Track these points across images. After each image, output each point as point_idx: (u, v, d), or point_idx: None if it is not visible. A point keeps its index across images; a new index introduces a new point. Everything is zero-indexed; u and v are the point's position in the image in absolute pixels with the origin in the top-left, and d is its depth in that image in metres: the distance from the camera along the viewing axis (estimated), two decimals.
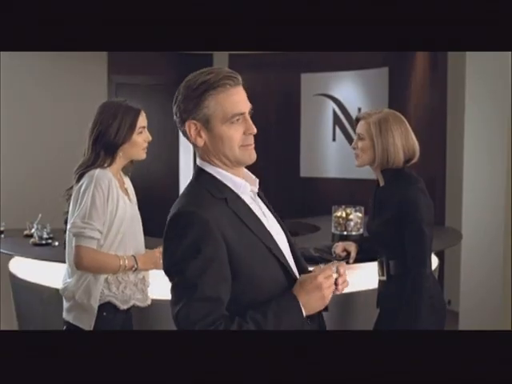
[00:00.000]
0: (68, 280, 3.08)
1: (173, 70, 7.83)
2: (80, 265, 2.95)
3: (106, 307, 3.00)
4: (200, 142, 1.99)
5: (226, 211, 1.92)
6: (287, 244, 2.11)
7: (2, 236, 4.74)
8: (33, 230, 4.57)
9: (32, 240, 4.44)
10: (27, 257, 4.17)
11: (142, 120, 3.10)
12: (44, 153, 6.70)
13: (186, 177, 7.95)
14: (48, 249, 4.28)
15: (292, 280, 1.97)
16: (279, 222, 2.14)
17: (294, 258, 2.10)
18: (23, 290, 4.33)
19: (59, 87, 6.90)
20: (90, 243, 2.94)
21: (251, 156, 2.01)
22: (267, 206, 2.14)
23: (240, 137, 1.97)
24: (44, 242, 4.37)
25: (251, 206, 2.02)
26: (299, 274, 2.04)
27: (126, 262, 3.01)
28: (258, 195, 2.13)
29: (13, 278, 4.48)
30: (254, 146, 2.01)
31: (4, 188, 6.37)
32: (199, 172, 2.04)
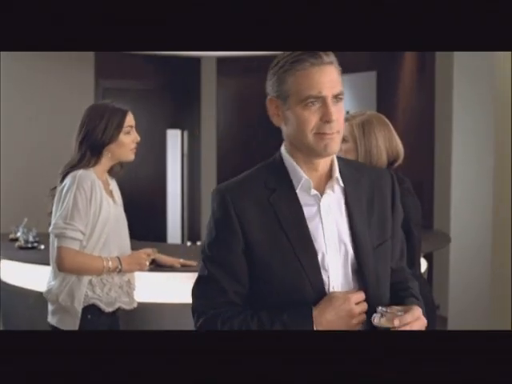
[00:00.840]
0: (52, 282, 3.04)
1: (160, 75, 7.81)
2: (62, 266, 2.92)
3: (91, 310, 2.96)
4: (277, 121, 1.85)
5: (265, 204, 1.79)
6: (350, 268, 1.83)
7: None
8: (18, 234, 4.53)
9: (18, 243, 4.40)
10: (13, 260, 4.13)
11: (130, 120, 3.08)
12: (29, 156, 6.66)
13: (173, 181, 7.92)
14: (34, 252, 4.24)
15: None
16: (358, 245, 1.83)
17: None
18: (9, 294, 4.29)
19: (45, 92, 6.86)
20: (71, 244, 2.91)
21: (327, 147, 1.78)
22: (350, 218, 1.84)
23: (315, 122, 1.76)
24: (30, 245, 4.33)
25: (306, 208, 1.82)
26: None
27: (110, 263, 2.97)
28: (347, 204, 1.85)
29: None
30: (335, 136, 1.78)
31: None
32: (277, 155, 1.89)
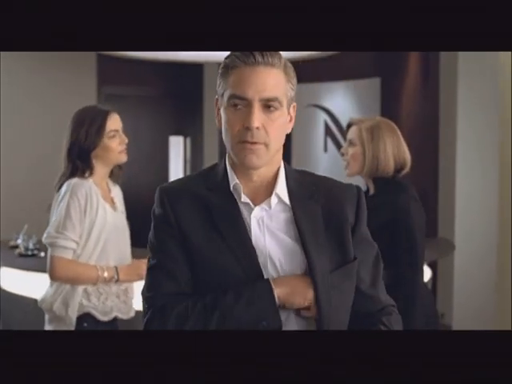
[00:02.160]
0: (47, 291, 3.01)
1: (163, 81, 7.79)
2: (53, 275, 2.88)
3: (86, 319, 2.91)
4: (218, 122, 1.70)
5: (200, 201, 1.67)
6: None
7: None
8: (18, 241, 4.50)
9: (18, 251, 4.37)
10: (12, 268, 4.09)
11: (112, 123, 2.98)
12: (31, 163, 6.63)
13: None
14: (34, 260, 4.21)
15: None
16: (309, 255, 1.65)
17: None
18: (9, 301, 4.25)
19: (47, 98, 6.83)
20: (63, 253, 2.86)
21: (245, 159, 1.61)
22: (301, 231, 1.66)
23: (238, 128, 1.60)
24: (30, 252, 4.30)
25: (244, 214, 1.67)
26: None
27: (106, 273, 2.91)
28: (296, 215, 1.67)
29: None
30: (257, 148, 1.60)
31: None
32: (224, 158, 1.75)
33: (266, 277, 1.64)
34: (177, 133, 7.96)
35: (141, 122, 7.64)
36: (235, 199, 1.67)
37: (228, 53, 1.68)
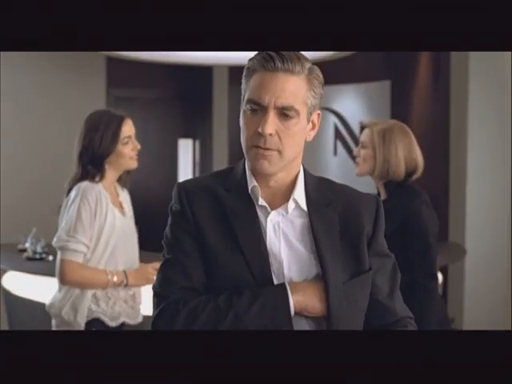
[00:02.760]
0: (56, 295, 2.99)
1: (172, 84, 7.77)
2: (64, 279, 2.87)
3: (95, 324, 2.90)
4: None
5: (218, 200, 1.66)
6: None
7: None
8: (27, 245, 4.48)
9: (26, 254, 4.35)
10: (20, 271, 4.07)
11: (127, 129, 2.98)
12: (40, 166, 6.61)
13: None
14: (42, 263, 4.19)
15: None
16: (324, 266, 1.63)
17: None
18: (16, 306, 4.23)
19: (55, 101, 6.82)
20: (74, 257, 2.85)
21: (257, 164, 1.60)
22: (316, 240, 1.64)
23: (253, 132, 1.58)
24: (38, 256, 4.28)
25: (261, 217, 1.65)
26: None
27: (115, 277, 2.91)
28: (312, 222, 1.65)
29: (6, 293, 4.38)
30: (269, 154, 1.58)
31: None
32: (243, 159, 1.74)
33: (276, 282, 1.62)
34: (186, 135, 7.93)
35: (150, 124, 7.62)
36: (252, 202, 1.66)
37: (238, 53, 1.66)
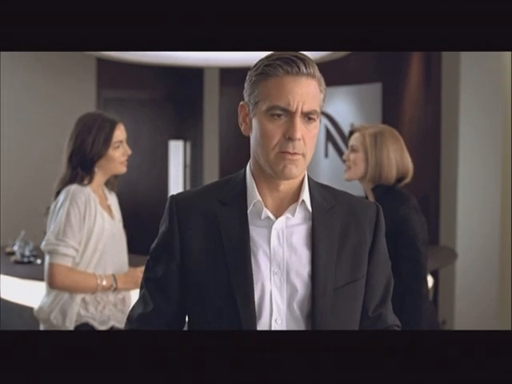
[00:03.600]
0: (44, 300, 2.96)
1: (163, 85, 7.74)
2: (53, 283, 2.84)
3: (83, 328, 2.87)
4: (244, 130, 1.66)
5: (212, 217, 1.62)
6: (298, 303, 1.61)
7: None
8: (15, 248, 4.44)
9: (14, 258, 4.31)
10: (8, 275, 4.04)
11: (119, 134, 2.96)
12: (29, 168, 6.57)
13: (175, 192, 7.83)
14: (30, 267, 4.16)
15: None
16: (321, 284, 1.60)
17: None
18: (4, 310, 4.19)
19: (45, 102, 6.78)
20: (63, 261, 2.82)
21: (285, 169, 1.57)
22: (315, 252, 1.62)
23: (279, 138, 1.56)
24: (26, 260, 4.25)
25: (257, 230, 1.62)
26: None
27: (104, 281, 2.88)
28: (314, 233, 1.63)
29: None
30: (297, 159, 1.57)
31: None
32: (242, 170, 1.71)
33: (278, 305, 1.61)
34: (177, 137, 7.90)
35: (140, 125, 7.60)
36: (247, 220, 1.63)
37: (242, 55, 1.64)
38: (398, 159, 2.90)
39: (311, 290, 1.60)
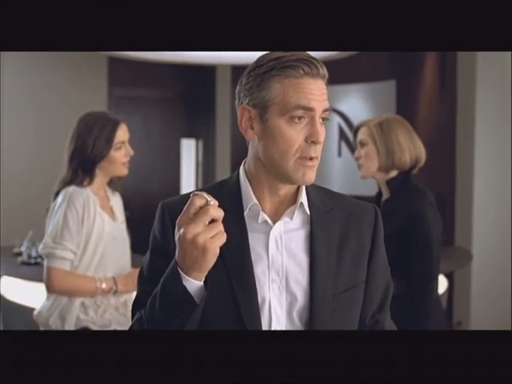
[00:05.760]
0: (43, 304, 2.91)
1: (175, 83, 7.70)
2: (51, 287, 2.79)
3: None
4: (250, 136, 1.54)
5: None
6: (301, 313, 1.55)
7: None
8: (22, 248, 4.39)
9: (20, 259, 4.26)
10: (14, 277, 3.99)
11: (121, 134, 2.88)
12: (39, 168, 6.52)
13: (187, 191, 7.80)
14: (37, 268, 4.09)
15: None
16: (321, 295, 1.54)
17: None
18: (10, 311, 4.15)
19: (56, 101, 6.73)
20: (61, 264, 2.77)
21: (305, 175, 1.50)
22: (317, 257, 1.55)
23: (300, 143, 1.48)
24: (33, 261, 4.20)
25: (254, 235, 1.55)
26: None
27: (104, 284, 2.82)
28: (312, 237, 1.57)
29: (1, 298, 4.29)
30: (315, 164, 1.51)
31: None
32: (234, 173, 1.62)
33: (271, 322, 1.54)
34: (189, 135, 7.87)
35: (152, 124, 7.57)
36: (245, 223, 1.55)
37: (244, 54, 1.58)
38: (409, 143, 2.83)
39: (310, 298, 1.54)
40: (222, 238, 1.39)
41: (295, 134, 1.49)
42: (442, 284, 4.38)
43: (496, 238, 5.48)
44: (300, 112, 1.48)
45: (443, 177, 5.90)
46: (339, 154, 7.02)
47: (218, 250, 1.38)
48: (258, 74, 1.51)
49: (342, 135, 6.98)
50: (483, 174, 5.54)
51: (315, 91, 1.49)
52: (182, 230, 1.38)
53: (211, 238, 1.37)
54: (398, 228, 2.75)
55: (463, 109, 5.76)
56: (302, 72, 1.48)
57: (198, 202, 1.38)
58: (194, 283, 1.42)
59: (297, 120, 1.48)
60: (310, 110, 1.48)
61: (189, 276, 1.41)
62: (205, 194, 1.39)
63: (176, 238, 1.41)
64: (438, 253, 2.78)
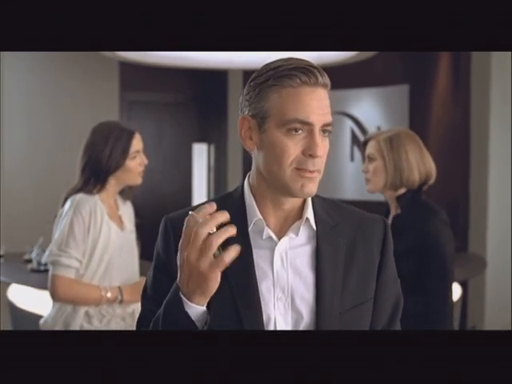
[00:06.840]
0: (49, 312, 2.90)
1: (187, 88, 7.68)
2: (55, 295, 2.77)
3: None
4: (250, 146, 1.51)
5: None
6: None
7: (2, 260, 4.55)
8: (32, 255, 4.36)
9: (30, 266, 4.24)
10: (24, 285, 3.96)
11: (136, 143, 2.88)
12: (50, 174, 6.50)
13: (199, 195, 7.77)
14: (46, 276, 4.06)
15: None
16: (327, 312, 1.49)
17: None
18: (20, 318, 4.12)
19: (67, 106, 6.72)
20: (66, 272, 2.75)
21: (304, 187, 1.46)
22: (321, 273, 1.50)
23: (297, 154, 1.43)
24: (43, 268, 4.16)
25: (258, 252, 1.50)
26: None
27: (109, 293, 2.79)
28: (318, 253, 1.52)
29: (11, 306, 4.27)
30: (315, 176, 1.46)
31: (5, 209, 6.13)
32: (239, 186, 1.58)
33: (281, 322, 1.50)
34: (201, 140, 7.85)
35: (164, 128, 7.56)
36: (249, 239, 1.51)
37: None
38: (419, 160, 2.75)
39: (316, 315, 1.50)
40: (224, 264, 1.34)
41: (293, 146, 1.44)
42: (456, 291, 4.32)
43: (511, 243, 5.42)
44: (298, 125, 1.44)
45: (457, 181, 5.83)
46: (352, 159, 6.96)
47: (219, 276, 1.34)
48: (257, 84, 1.48)
49: (355, 140, 6.92)
50: (498, 177, 5.47)
51: (314, 102, 1.44)
52: (184, 255, 1.34)
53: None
54: (411, 246, 2.67)
55: (477, 111, 5.70)
56: (298, 81, 1.44)
57: (193, 225, 1.34)
58: (196, 309, 1.38)
59: (294, 131, 1.44)
60: (307, 124, 1.44)
61: (191, 301, 1.37)
62: (196, 215, 1.35)
63: (178, 262, 1.37)
64: (452, 272, 2.72)
